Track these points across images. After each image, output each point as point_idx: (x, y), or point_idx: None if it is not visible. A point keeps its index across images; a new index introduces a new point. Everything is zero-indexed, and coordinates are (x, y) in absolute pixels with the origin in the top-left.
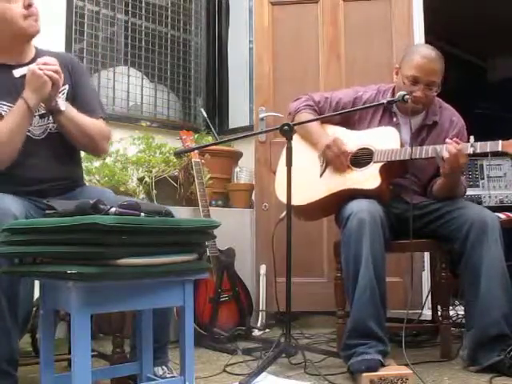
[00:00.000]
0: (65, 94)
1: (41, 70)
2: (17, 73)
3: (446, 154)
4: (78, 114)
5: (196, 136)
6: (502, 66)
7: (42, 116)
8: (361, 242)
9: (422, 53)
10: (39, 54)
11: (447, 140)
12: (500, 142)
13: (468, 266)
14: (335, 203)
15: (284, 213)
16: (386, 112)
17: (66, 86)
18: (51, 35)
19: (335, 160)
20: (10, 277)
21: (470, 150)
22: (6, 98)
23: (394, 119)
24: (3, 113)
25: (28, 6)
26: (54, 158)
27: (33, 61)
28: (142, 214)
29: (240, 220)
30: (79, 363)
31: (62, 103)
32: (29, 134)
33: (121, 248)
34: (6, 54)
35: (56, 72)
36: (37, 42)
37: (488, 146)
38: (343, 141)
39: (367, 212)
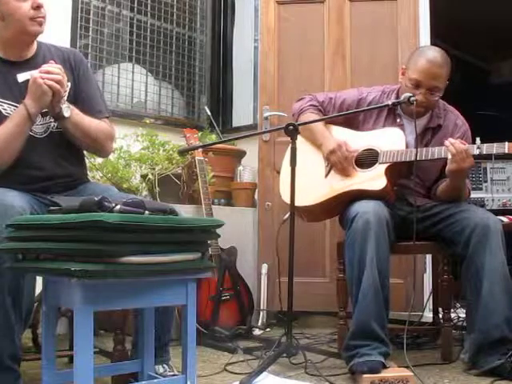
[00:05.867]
0: (67, 93)
1: (42, 78)
2: (20, 77)
3: (451, 153)
4: (82, 118)
5: (200, 134)
6: (506, 68)
7: (43, 114)
8: (366, 244)
9: (427, 56)
10: (41, 48)
11: (449, 139)
12: (507, 143)
13: (470, 269)
14: (340, 204)
15: (288, 214)
16: (391, 113)
17: (69, 84)
18: (56, 31)
19: (339, 165)
20: (15, 273)
21: (476, 152)
22: (8, 96)
23: (398, 120)
24: (3, 111)
25: (37, 8)
26: (57, 156)
27: (35, 56)
28: (147, 212)
29: (242, 219)
30: (81, 360)
31: (66, 109)
32: (31, 133)
33: (124, 246)
34: (9, 49)
35: (58, 82)
36: (42, 38)
37: (494, 147)
38: (348, 143)
39: (373, 213)
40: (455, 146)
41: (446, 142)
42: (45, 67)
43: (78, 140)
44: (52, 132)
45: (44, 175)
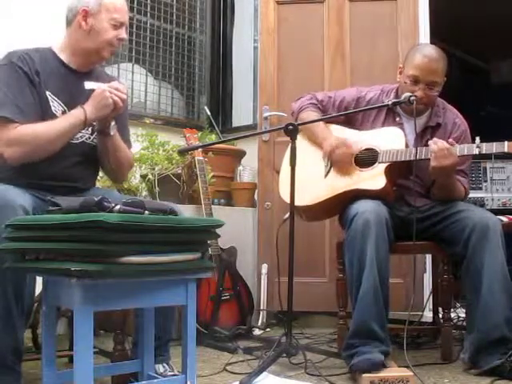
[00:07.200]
0: None
1: (110, 92)
2: (87, 85)
3: (432, 150)
4: (120, 141)
5: (199, 134)
6: (505, 68)
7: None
8: (365, 243)
9: (423, 52)
10: (96, 69)
11: (433, 139)
12: (506, 142)
13: (470, 269)
14: (340, 204)
15: (288, 214)
16: (390, 112)
17: None
18: (57, 31)
19: (342, 160)
20: (17, 273)
21: (476, 151)
22: (61, 96)
23: (398, 119)
24: (52, 108)
25: (120, 40)
26: (77, 162)
27: (90, 73)
28: (146, 212)
29: (242, 219)
30: (81, 360)
31: (113, 128)
32: None
33: (124, 246)
34: (75, 58)
35: (123, 101)
36: (42, 39)
37: (494, 146)
38: (347, 141)
39: (372, 213)
40: (438, 144)
41: (430, 142)
42: (115, 84)
43: (107, 159)
44: (84, 142)
45: (57, 174)
